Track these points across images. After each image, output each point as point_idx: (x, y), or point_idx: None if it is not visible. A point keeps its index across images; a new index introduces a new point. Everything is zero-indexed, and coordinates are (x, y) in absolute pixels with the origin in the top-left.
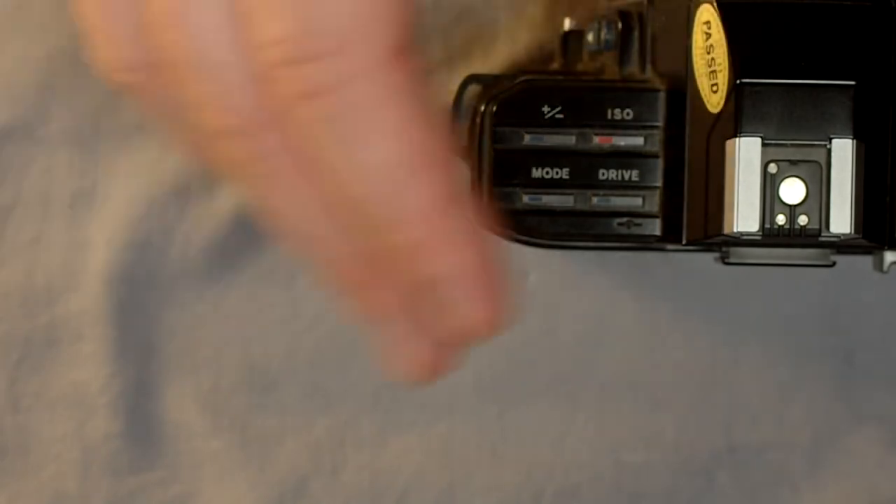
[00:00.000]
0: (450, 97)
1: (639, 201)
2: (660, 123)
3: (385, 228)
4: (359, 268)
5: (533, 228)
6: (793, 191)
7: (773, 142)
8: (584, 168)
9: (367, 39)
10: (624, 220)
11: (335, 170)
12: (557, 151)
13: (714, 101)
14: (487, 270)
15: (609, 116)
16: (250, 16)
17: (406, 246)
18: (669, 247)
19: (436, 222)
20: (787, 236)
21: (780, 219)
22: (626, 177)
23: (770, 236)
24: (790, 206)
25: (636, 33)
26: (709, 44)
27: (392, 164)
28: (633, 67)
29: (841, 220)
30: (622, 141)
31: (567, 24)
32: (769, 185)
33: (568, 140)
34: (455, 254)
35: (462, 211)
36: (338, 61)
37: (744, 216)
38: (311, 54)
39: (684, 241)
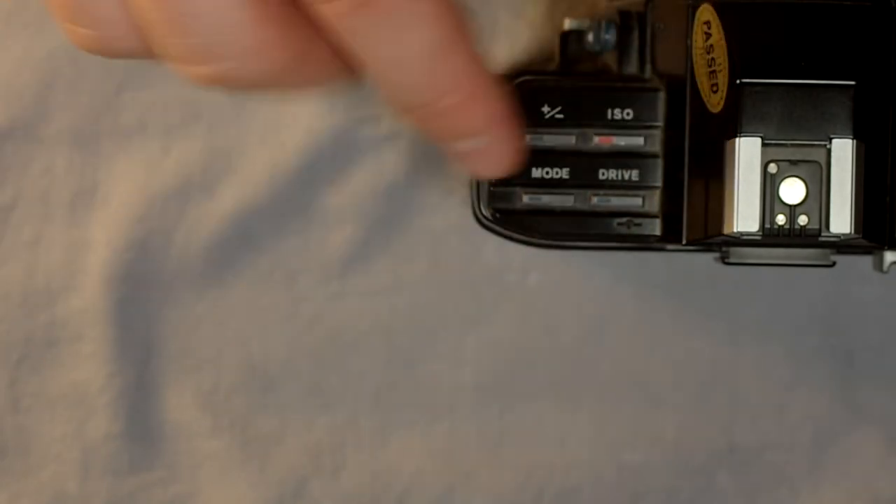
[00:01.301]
0: None
1: (639, 201)
2: (660, 123)
3: (431, 99)
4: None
5: (533, 228)
6: (793, 191)
7: (773, 142)
8: (584, 168)
9: None
10: (624, 220)
11: (382, 61)
12: (557, 151)
13: (714, 101)
14: (510, 117)
15: (609, 116)
16: None
17: (449, 108)
18: (669, 247)
19: (472, 84)
20: (787, 236)
21: (780, 219)
22: (626, 177)
23: (770, 236)
24: (790, 206)
25: (636, 33)
26: (709, 44)
27: (434, 46)
28: (633, 67)
29: (841, 220)
30: (622, 141)
31: (567, 24)
32: (769, 185)
33: (568, 140)
34: (489, 106)
35: (486, 71)
36: None
37: (744, 216)
38: None
39: (684, 241)
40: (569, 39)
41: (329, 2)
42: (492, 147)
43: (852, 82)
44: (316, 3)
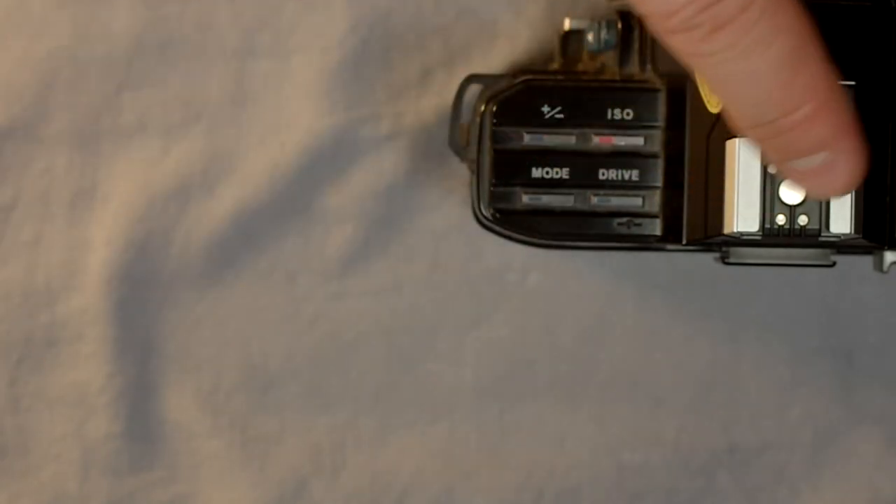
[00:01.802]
0: (450, 97)
1: (639, 201)
2: (660, 123)
3: (784, 112)
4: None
5: (533, 228)
6: (793, 191)
7: None
8: (584, 168)
9: None
10: (624, 220)
11: (735, 79)
12: (557, 151)
13: (714, 101)
14: (857, 128)
15: (609, 116)
16: None
17: (799, 121)
18: (669, 247)
19: (824, 94)
20: (787, 236)
21: (780, 219)
22: (626, 177)
23: (770, 236)
24: (790, 206)
25: (636, 33)
26: None
27: (790, 58)
28: (633, 67)
29: (841, 220)
30: (622, 141)
31: (567, 24)
32: (769, 185)
33: (568, 140)
34: (838, 118)
35: (835, 80)
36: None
37: (744, 216)
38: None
39: (684, 241)
40: (569, 39)
41: (687, 31)
42: (837, 163)
43: (852, 82)
44: (667, 36)
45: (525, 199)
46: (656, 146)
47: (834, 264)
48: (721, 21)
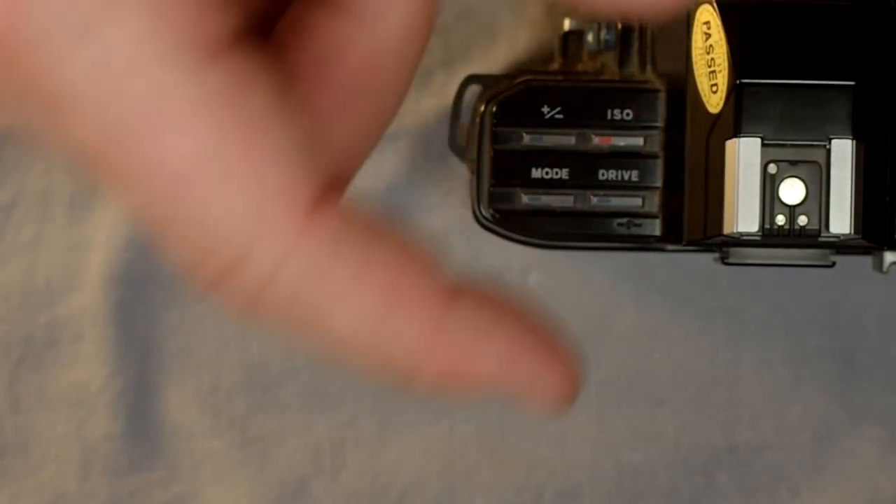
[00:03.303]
0: (450, 97)
1: (639, 201)
2: (660, 124)
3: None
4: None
5: (533, 228)
6: (792, 191)
7: (772, 142)
8: (584, 168)
9: (274, 221)
10: (624, 220)
11: (321, 332)
12: (557, 152)
13: (714, 101)
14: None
15: (609, 116)
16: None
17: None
18: (669, 247)
19: (440, 339)
20: (787, 236)
21: (780, 219)
22: (626, 177)
23: (770, 237)
24: (790, 206)
25: (636, 33)
26: (709, 44)
27: (378, 305)
28: (633, 67)
29: (841, 221)
30: (622, 141)
31: (567, 24)
32: (769, 186)
33: (567, 140)
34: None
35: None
36: (258, 259)
37: (743, 216)
38: (229, 267)
39: (684, 242)
40: (569, 39)
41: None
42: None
43: (852, 82)
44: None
45: (525, 199)
46: (656, 146)
47: (834, 264)
48: (254, 286)
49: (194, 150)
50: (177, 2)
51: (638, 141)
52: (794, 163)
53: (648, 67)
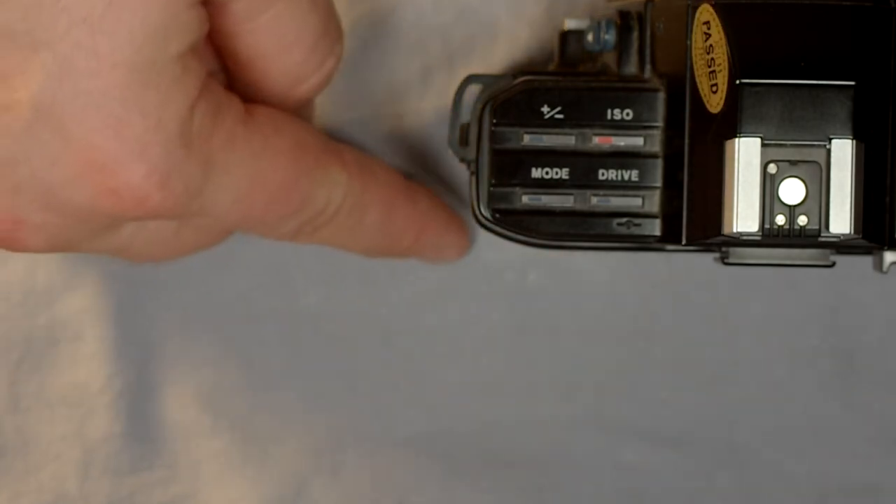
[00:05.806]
0: (450, 97)
1: (639, 201)
2: (660, 124)
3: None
4: None
5: (533, 228)
6: (792, 191)
7: (772, 142)
8: (584, 168)
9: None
10: (624, 220)
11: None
12: (557, 151)
13: (714, 101)
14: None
15: (609, 116)
16: None
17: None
18: (669, 247)
19: (419, 231)
20: (787, 236)
21: (780, 219)
22: (626, 177)
23: (770, 237)
24: (790, 206)
25: (636, 33)
26: (708, 44)
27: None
28: (632, 67)
29: (841, 221)
30: (622, 141)
31: (567, 24)
32: (769, 186)
33: (567, 140)
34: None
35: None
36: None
37: (743, 216)
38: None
39: (684, 242)
40: (569, 39)
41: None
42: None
43: (852, 82)
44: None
45: (525, 199)
46: (656, 146)
47: (834, 264)
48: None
49: None
50: None
51: (638, 141)
52: (794, 163)
53: (648, 68)
